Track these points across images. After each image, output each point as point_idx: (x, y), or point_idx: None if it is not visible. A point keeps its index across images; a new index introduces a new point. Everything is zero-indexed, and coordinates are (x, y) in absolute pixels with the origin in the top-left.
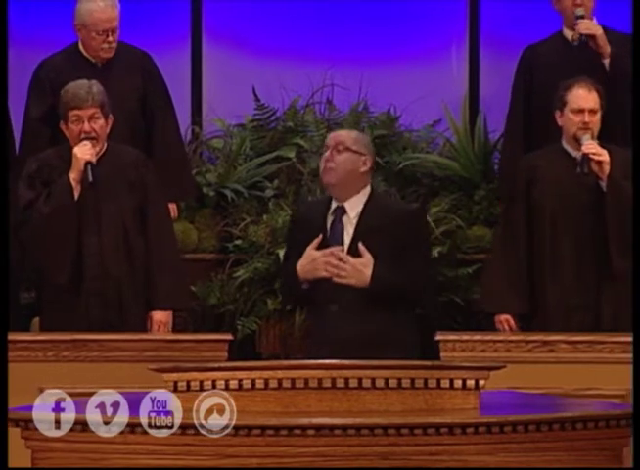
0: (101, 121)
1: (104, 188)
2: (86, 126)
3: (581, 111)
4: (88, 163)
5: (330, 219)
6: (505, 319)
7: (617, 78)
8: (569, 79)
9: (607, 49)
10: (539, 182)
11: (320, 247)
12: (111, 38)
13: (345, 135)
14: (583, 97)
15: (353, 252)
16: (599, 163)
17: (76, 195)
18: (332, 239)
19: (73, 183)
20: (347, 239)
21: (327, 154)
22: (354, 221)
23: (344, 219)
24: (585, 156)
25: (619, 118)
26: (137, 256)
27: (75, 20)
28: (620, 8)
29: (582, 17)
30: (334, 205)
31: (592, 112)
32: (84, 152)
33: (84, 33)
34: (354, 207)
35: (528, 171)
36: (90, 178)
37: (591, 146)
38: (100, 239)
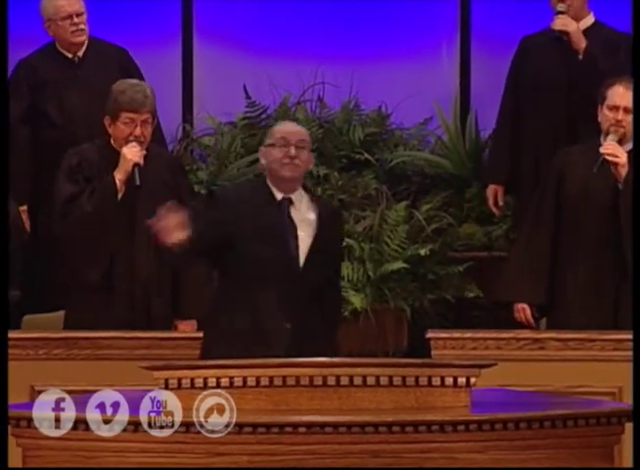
0: (150, 127)
1: (140, 189)
2: (138, 130)
3: (616, 108)
4: (136, 165)
5: (276, 210)
6: (522, 308)
7: (587, 75)
8: (613, 77)
9: (581, 45)
10: (569, 177)
11: (270, 236)
12: (77, 20)
13: (304, 132)
14: (620, 94)
15: (312, 252)
16: (615, 165)
17: (120, 196)
18: (282, 229)
19: (119, 183)
20: (305, 238)
21: (292, 151)
22: (307, 218)
23: (292, 211)
24: (601, 156)
25: (587, 115)
26: (166, 259)
27: (42, 18)
28: (620, 8)
29: (562, 13)
30: (278, 195)
31: (627, 110)
32: (134, 154)
33: (53, 27)
34: (300, 201)
35: (562, 165)
36: (137, 181)
37: (610, 147)
38: (132, 239)
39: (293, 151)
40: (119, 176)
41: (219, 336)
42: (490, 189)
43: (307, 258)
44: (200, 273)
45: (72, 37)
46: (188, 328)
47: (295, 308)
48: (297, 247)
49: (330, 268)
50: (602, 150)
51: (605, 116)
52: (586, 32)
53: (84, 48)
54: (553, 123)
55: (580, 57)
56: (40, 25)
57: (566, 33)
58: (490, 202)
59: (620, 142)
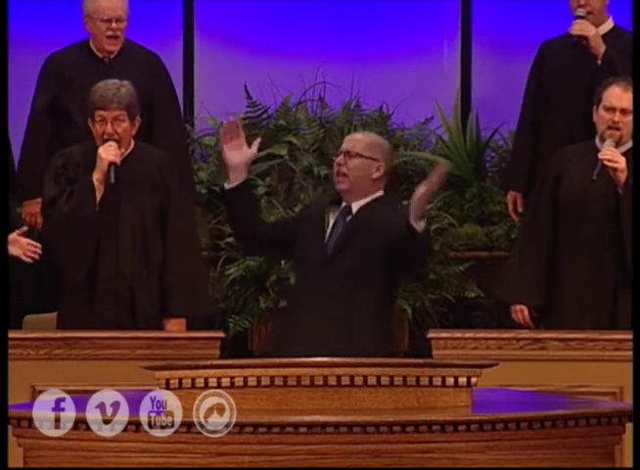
0: (125, 124)
1: (126, 188)
2: (109, 128)
3: (613, 109)
4: (112, 164)
5: (334, 216)
6: (520, 309)
7: (605, 80)
8: (610, 78)
9: (600, 50)
10: (567, 177)
11: (320, 242)
12: (114, 25)
13: (358, 140)
14: (617, 95)
15: (339, 247)
16: (614, 170)
17: (99, 196)
18: (332, 236)
19: (96, 183)
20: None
21: (339, 158)
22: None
23: (348, 218)
24: (600, 161)
25: None
26: (154, 258)
27: (83, 12)
28: (620, 8)
29: (581, 17)
30: (343, 204)
31: (624, 111)
32: (109, 153)
33: (90, 24)
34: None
35: (559, 165)
36: (112, 179)
37: (608, 153)
38: (117, 239)
39: (340, 157)
40: (97, 176)
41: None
42: (510, 195)
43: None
44: (187, 271)
45: (106, 43)
46: (176, 327)
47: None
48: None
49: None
50: (600, 156)
51: (601, 117)
52: (606, 37)
53: (117, 51)
54: (571, 129)
55: (599, 62)
56: (41, 26)
57: (584, 38)
58: (510, 208)
59: (618, 144)
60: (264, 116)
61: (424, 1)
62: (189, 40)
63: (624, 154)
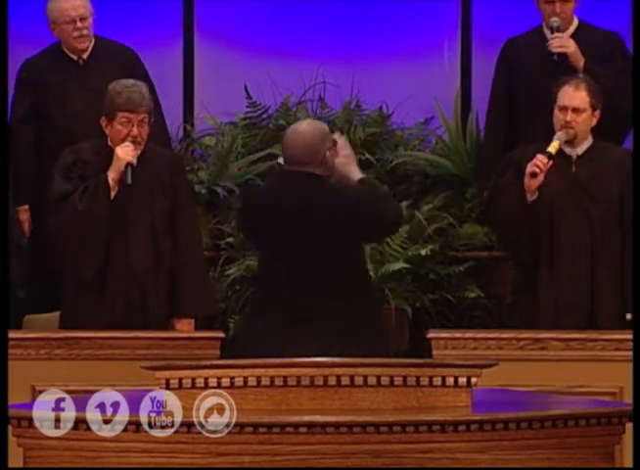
0: (147, 127)
1: (136, 188)
2: (134, 130)
3: (565, 108)
4: (129, 164)
5: None
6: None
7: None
8: (563, 76)
9: (580, 64)
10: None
11: None
12: (80, 25)
13: None
14: (569, 95)
15: None
16: (566, 56)
17: (113, 195)
18: None
19: (111, 183)
20: None
21: None
22: None
23: None
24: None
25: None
26: (164, 258)
27: (48, 19)
28: (620, 8)
29: (557, 29)
30: None
31: (576, 110)
32: (126, 153)
33: (57, 30)
34: None
35: (522, 166)
36: (129, 180)
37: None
38: (128, 239)
39: None
40: (112, 176)
41: None
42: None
43: None
44: (197, 271)
45: (75, 43)
46: (185, 327)
47: None
48: None
49: None
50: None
51: (556, 116)
52: (575, 36)
53: (90, 50)
54: (548, 130)
55: (580, 75)
56: (40, 24)
57: (564, 55)
58: None
59: (573, 143)
60: (264, 116)
61: (424, 1)
62: (189, 40)
63: (586, 152)
